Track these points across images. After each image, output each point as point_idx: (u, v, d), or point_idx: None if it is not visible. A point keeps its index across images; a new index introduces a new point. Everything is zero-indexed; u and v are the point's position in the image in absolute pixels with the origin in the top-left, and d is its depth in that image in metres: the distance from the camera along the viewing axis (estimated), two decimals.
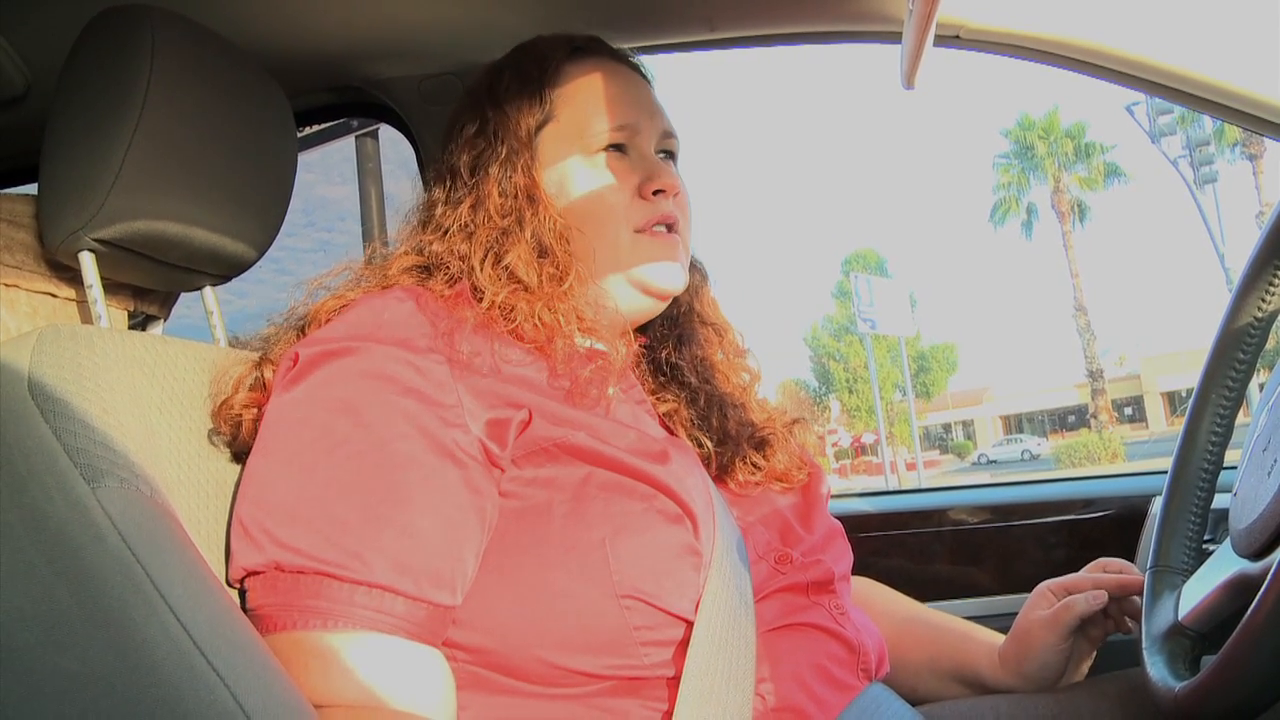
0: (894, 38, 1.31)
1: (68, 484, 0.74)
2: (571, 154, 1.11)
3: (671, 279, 1.12)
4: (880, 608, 1.32)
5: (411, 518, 0.84)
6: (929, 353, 39.24)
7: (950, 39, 1.27)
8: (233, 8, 1.32)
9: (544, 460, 0.92)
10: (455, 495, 0.87)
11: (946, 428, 48.32)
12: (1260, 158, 30.10)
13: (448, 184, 1.13)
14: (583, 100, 1.13)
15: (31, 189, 1.20)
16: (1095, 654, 1.22)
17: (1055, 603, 1.20)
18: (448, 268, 1.06)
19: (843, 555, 1.15)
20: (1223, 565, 0.92)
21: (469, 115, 1.16)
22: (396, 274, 1.06)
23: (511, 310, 1.01)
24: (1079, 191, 36.73)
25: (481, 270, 1.04)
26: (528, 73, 1.15)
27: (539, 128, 1.13)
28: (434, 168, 1.17)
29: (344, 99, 1.62)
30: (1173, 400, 40.02)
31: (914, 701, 1.11)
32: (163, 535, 0.76)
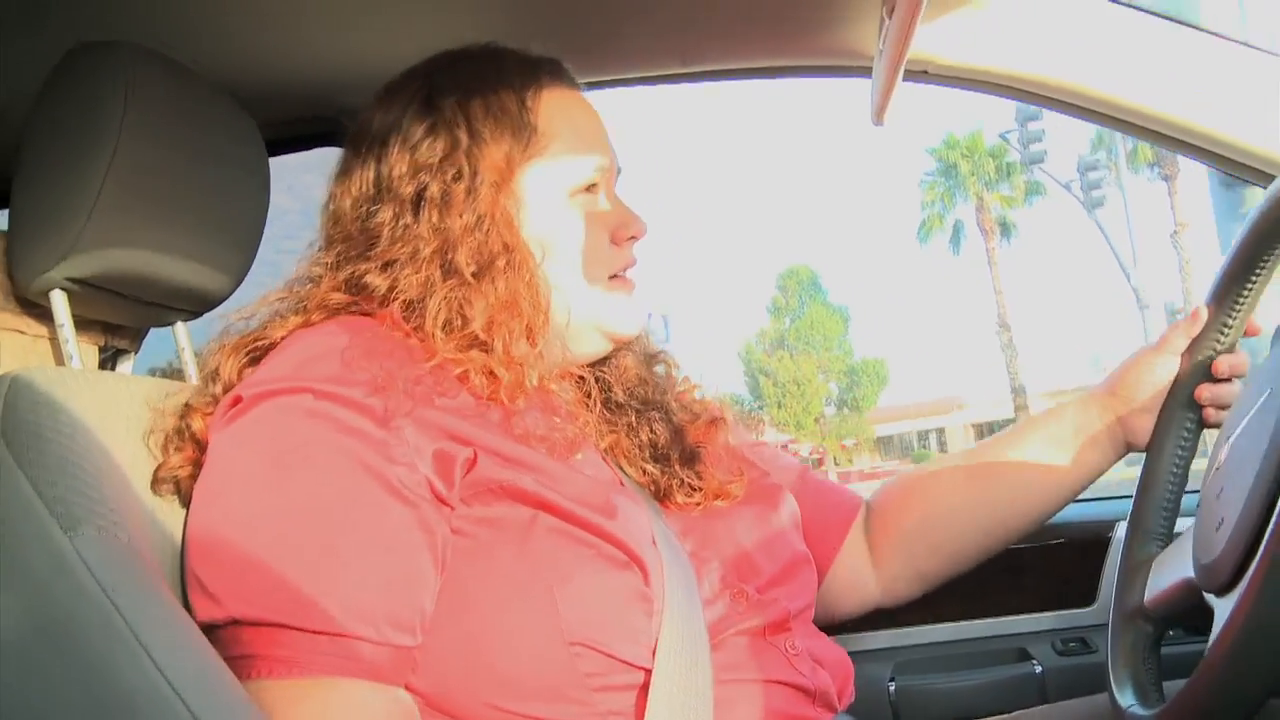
0: (864, 72, 1.33)
1: (45, 533, 0.74)
2: (552, 194, 1.05)
3: (638, 323, 1.11)
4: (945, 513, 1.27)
5: (365, 560, 0.83)
6: (859, 367, 38.99)
7: (919, 74, 1.29)
8: (208, 41, 1.31)
9: (491, 499, 0.90)
10: (408, 535, 0.85)
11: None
12: (1174, 179, 30.30)
13: (398, 210, 1.02)
14: (566, 135, 1.06)
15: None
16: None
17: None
18: (387, 304, 0.99)
19: (804, 588, 1.12)
20: (1184, 559, 0.92)
21: (428, 131, 1.04)
22: (318, 310, 0.98)
23: (459, 365, 0.95)
24: (1002, 210, 37.09)
25: (439, 329, 0.97)
26: (503, 97, 1.05)
27: (521, 162, 1.04)
28: (375, 184, 1.04)
29: (318, 129, 1.62)
30: None
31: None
32: (141, 583, 0.76)
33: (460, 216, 1.00)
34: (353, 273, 1.01)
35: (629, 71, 1.49)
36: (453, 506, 0.89)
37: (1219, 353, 1.10)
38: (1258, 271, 1.04)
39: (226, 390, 0.94)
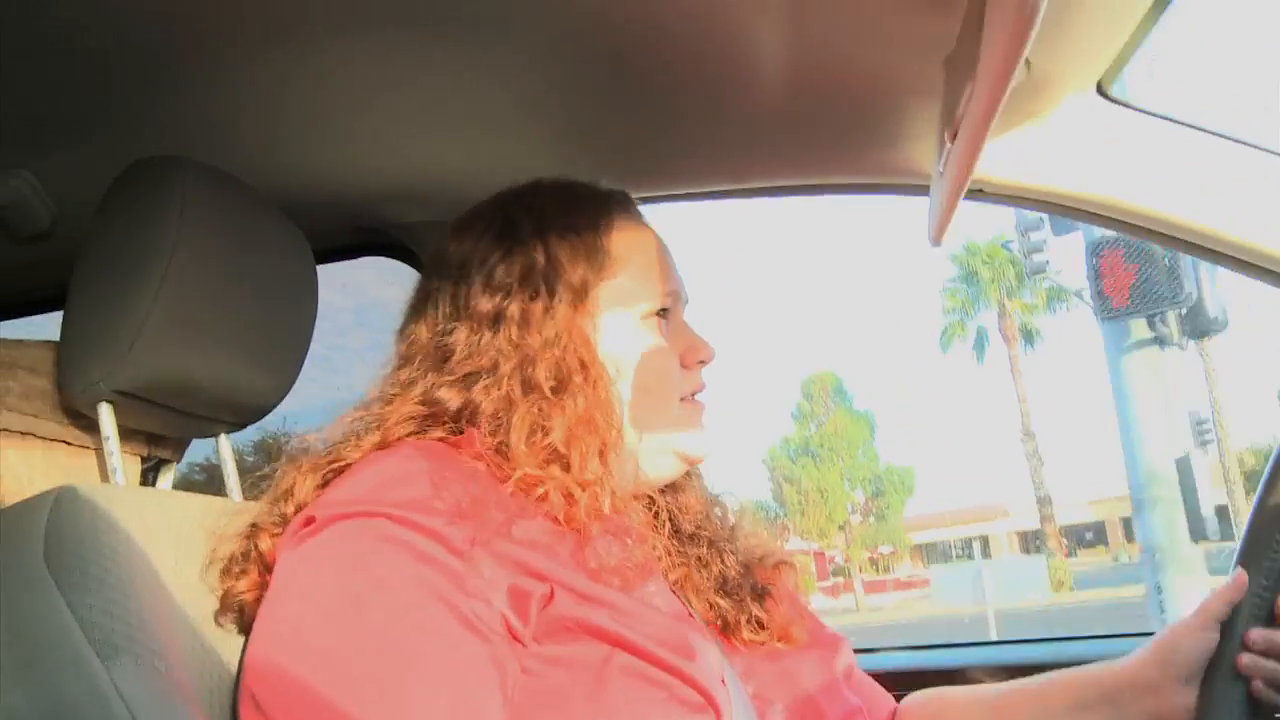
0: (919, 190, 1.32)
1: (82, 662, 0.72)
2: (625, 317, 1.07)
3: (709, 445, 1.10)
4: None
5: (433, 693, 0.80)
6: (884, 475, 37.86)
7: (975, 193, 1.28)
8: (259, 155, 1.33)
9: (567, 638, 0.87)
10: (480, 670, 0.82)
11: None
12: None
13: (475, 326, 1.02)
14: (638, 261, 1.09)
15: (42, 321, 1.19)
16: None
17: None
18: (471, 420, 0.98)
19: None
20: None
21: (505, 255, 1.06)
22: (395, 427, 0.98)
23: (539, 484, 0.94)
24: (1024, 317, 36.62)
25: (522, 443, 0.96)
26: (578, 224, 1.08)
27: (596, 284, 1.05)
28: (453, 305, 1.06)
29: (367, 240, 1.63)
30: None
31: None
32: (176, 717, 0.74)
33: (539, 333, 1.01)
34: (429, 387, 1.01)
35: (682, 188, 1.50)
36: (525, 644, 0.86)
37: (1258, 618, 1.02)
38: None
39: (298, 510, 0.92)
